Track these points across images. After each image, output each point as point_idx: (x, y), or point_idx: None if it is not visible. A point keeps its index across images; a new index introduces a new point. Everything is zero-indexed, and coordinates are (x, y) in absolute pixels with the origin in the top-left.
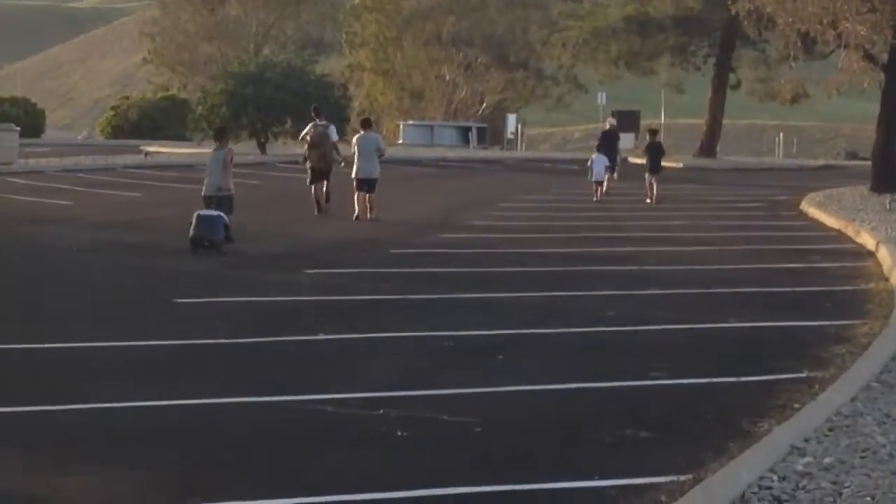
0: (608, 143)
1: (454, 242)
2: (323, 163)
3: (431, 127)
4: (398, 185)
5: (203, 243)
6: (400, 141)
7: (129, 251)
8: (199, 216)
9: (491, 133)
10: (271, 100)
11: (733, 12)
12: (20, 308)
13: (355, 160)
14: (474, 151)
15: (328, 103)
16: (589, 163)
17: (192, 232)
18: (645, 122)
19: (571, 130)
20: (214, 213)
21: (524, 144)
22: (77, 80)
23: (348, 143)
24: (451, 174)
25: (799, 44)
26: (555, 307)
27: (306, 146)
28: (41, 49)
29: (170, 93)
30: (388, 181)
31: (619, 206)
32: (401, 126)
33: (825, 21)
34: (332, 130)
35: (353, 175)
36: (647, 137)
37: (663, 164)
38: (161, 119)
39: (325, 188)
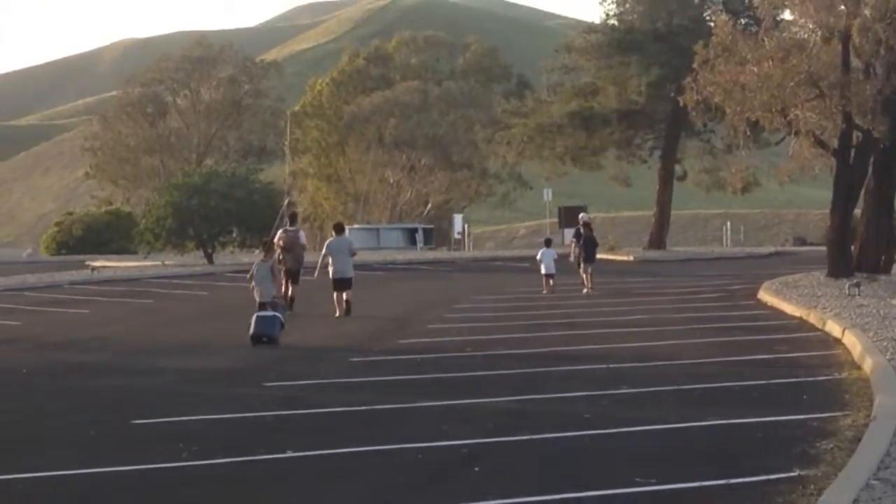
0: (582, 239)
1: (414, 347)
2: (295, 264)
3: (378, 230)
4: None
5: (262, 339)
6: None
7: (81, 371)
8: (258, 317)
9: (437, 233)
10: (217, 210)
11: (681, 104)
12: None
13: (331, 262)
14: (422, 253)
15: (274, 211)
16: (538, 256)
17: (252, 330)
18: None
19: (516, 228)
20: (270, 313)
21: (471, 244)
22: (19, 198)
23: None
24: (402, 277)
25: (748, 132)
26: (527, 412)
27: (279, 249)
28: None
29: (113, 206)
30: (319, 292)
31: (574, 300)
32: (346, 231)
33: (775, 109)
34: (302, 235)
35: (331, 276)
36: (582, 230)
37: (614, 257)
38: (106, 233)
39: (291, 291)
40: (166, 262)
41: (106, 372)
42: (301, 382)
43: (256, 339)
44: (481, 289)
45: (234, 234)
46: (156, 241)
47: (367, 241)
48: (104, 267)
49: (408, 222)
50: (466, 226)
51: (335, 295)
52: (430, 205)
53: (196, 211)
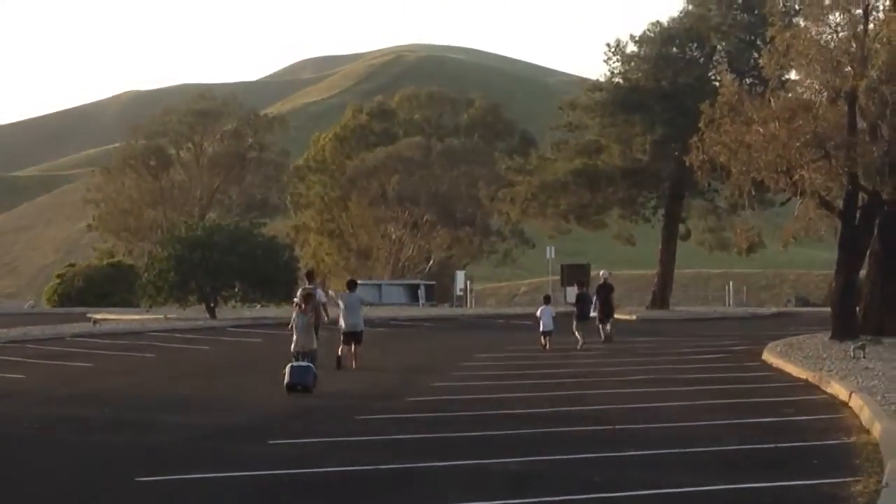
0: (603, 296)
1: (418, 406)
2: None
3: (380, 286)
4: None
5: (297, 388)
6: (324, 301)
7: (84, 426)
8: (292, 367)
9: (439, 290)
10: (220, 264)
11: (686, 163)
12: None
13: (342, 316)
14: (425, 309)
15: (277, 265)
16: (538, 313)
17: (287, 379)
18: (593, 275)
19: (518, 285)
20: (304, 363)
21: (473, 300)
22: (21, 249)
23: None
24: (405, 334)
25: (753, 192)
26: (533, 474)
27: (295, 306)
28: None
29: (115, 259)
30: (332, 346)
31: (577, 360)
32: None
33: (780, 169)
34: (320, 293)
35: (342, 329)
36: (577, 289)
37: (616, 316)
38: (108, 285)
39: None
40: (168, 316)
41: (109, 427)
42: (306, 440)
43: (291, 388)
44: (484, 346)
45: (237, 289)
46: (158, 295)
47: (369, 297)
48: (106, 320)
49: (410, 278)
50: (469, 283)
51: (342, 348)
52: (432, 261)
53: (199, 265)
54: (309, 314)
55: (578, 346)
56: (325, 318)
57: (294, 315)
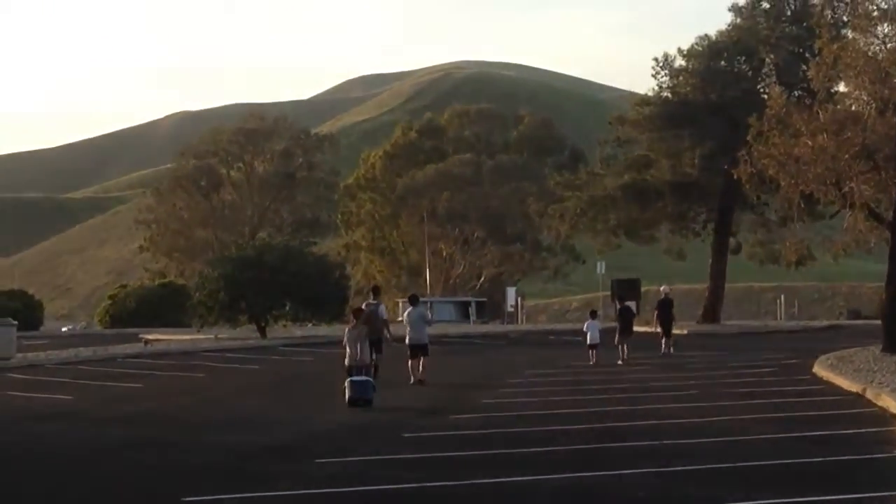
0: (664, 311)
1: (468, 423)
2: (375, 335)
3: (430, 303)
4: (404, 365)
5: (359, 403)
6: (400, 319)
7: (134, 446)
8: (353, 382)
9: (490, 306)
10: (270, 283)
11: (735, 177)
12: None
13: (407, 331)
14: (475, 326)
15: (328, 284)
16: (585, 327)
17: (348, 394)
18: (644, 289)
19: (569, 300)
20: (363, 378)
21: (524, 317)
22: (74, 270)
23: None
24: (456, 350)
25: (802, 205)
26: (583, 489)
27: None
28: (37, 241)
29: (167, 279)
30: (393, 361)
31: (629, 374)
32: (399, 304)
33: (829, 182)
34: (382, 309)
35: (408, 343)
36: (618, 304)
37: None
38: (159, 306)
39: (374, 359)
40: (219, 336)
41: (158, 447)
42: (354, 459)
43: (353, 402)
44: (535, 363)
45: (287, 308)
46: (209, 315)
47: None
48: (157, 340)
49: (461, 295)
50: (520, 299)
51: (411, 363)
52: (483, 277)
53: (249, 284)
54: (360, 328)
55: (619, 361)
56: (389, 335)
57: (346, 330)
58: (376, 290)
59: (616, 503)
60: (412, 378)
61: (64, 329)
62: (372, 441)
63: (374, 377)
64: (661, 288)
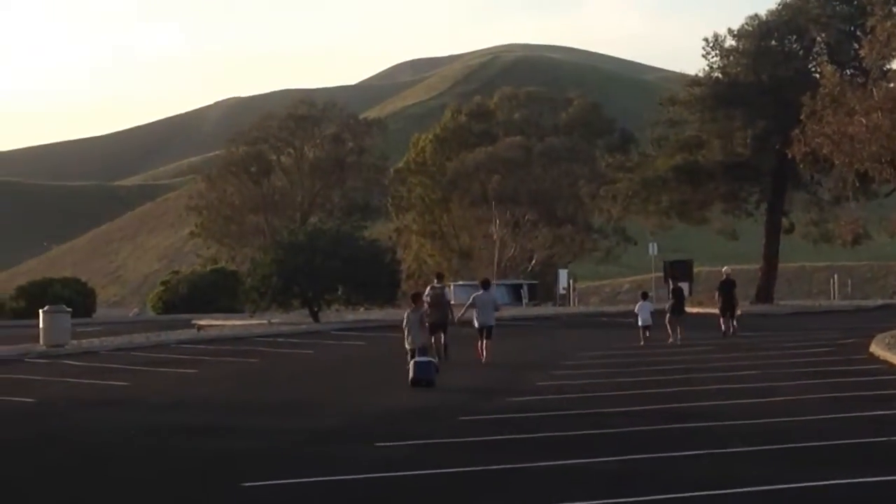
0: (726, 292)
1: (524, 406)
2: (441, 319)
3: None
4: (456, 348)
5: (422, 383)
6: (451, 301)
7: (189, 432)
8: (416, 363)
9: (542, 289)
10: (322, 268)
11: (789, 156)
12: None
13: (476, 314)
14: (528, 309)
15: (379, 268)
16: (636, 309)
17: (412, 375)
18: (696, 271)
19: (621, 283)
20: (426, 359)
21: (576, 299)
22: (126, 257)
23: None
24: (508, 333)
25: (857, 184)
26: (639, 471)
27: (426, 306)
28: (89, 228)
29: (219, 265)
30: (455, 343)
31: (683, 356)
32: (451, 287)
33: (884, 160)
34: (447, 292)
35: (476, 325)
36: (671, 284)
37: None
38: (211, 292)
39: (443, 340)
40: (272, 321)
41: (214, 433)
42: (411, 442)
43: (416, 383)
44: (588, 345)
45: (340, 292)
46: (262, 300)
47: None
48: (210, 326)
49: (512, 278)
50: (571, 281)
51: (479, 342)
52: (534, 260)
53: (301, 269)
54: (421, 311)
55: (670, 341)
56: (454, 319)
57: (406, 314)
58: (440, 276)
59: (672, 485)
60: (482, 358)
61: (131, 314)
62: (430, 424)
63: (445, 358)
64: (724, 269)
